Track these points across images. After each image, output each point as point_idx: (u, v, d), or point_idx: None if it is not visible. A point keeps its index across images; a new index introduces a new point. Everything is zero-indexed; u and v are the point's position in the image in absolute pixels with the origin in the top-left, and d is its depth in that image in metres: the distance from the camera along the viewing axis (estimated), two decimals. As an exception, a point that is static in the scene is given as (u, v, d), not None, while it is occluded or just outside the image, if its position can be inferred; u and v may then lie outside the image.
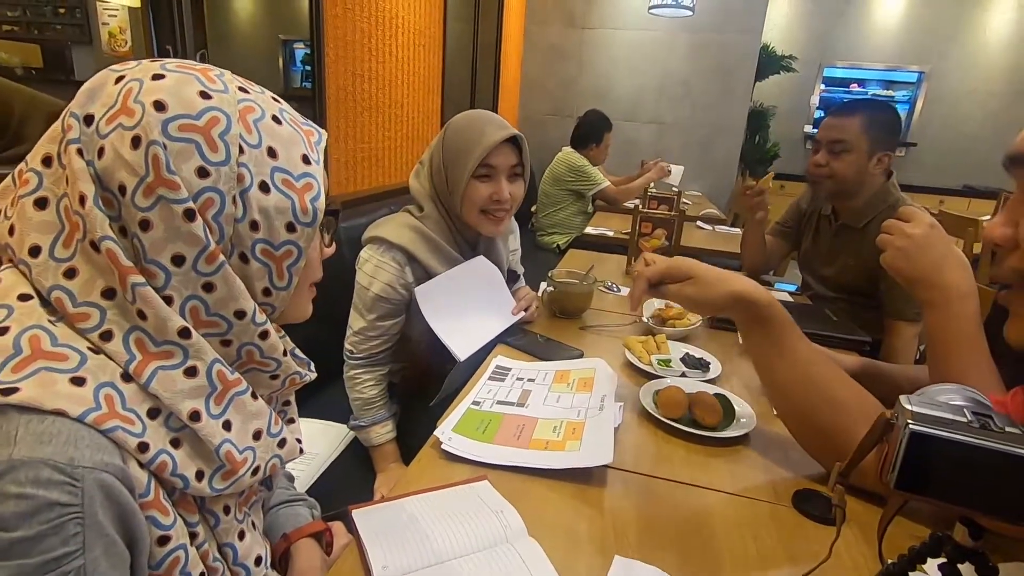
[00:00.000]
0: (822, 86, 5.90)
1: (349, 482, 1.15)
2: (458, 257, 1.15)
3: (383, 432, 1.14)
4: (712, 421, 0.86)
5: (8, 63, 1.74)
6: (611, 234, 2.55)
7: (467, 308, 1.13)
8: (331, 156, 1.93)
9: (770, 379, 0.79)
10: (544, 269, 1.82)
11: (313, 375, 0.57)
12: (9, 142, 1.20)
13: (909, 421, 0.45)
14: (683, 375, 1.03)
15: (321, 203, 0.48)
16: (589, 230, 2.64)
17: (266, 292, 0.48)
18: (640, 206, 2.55)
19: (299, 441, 0.56)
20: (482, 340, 1.12)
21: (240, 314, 0.46)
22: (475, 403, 0.90)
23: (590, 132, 3.19)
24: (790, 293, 1.71)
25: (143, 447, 0.41)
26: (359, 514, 0.66)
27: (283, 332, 0.56)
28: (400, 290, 1.10)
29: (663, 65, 4.32)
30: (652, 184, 3.12)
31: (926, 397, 0.49)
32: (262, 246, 0.46)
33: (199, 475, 0.45)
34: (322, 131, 0.53)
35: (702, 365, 1.06)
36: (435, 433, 0.80)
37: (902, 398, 0.47)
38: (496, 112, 3.99)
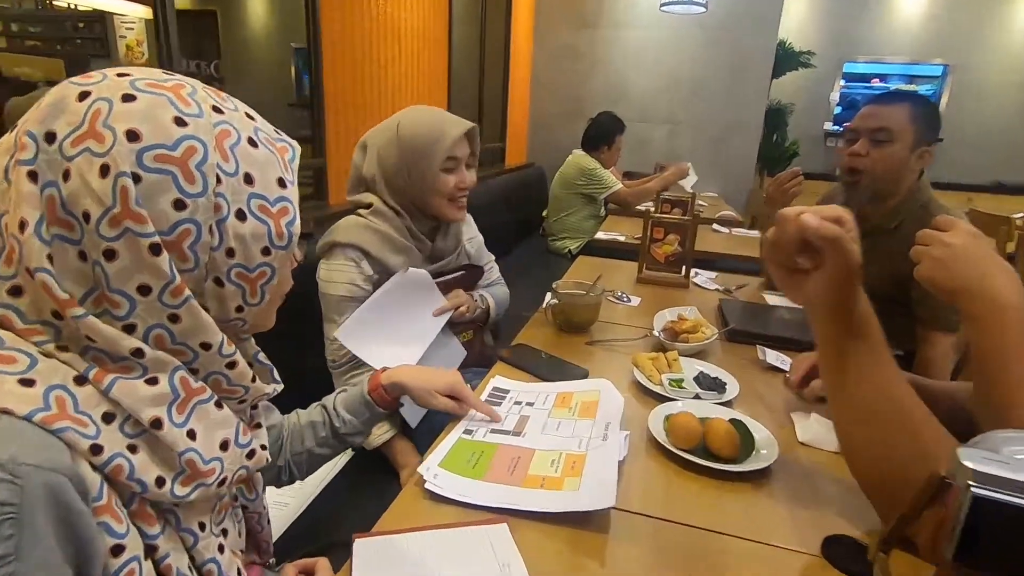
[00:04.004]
0: (842, 82, 5.73)
1: (340, 510, 1.09)
2: (410, 246, 1.18)
3: (380, 433, 1.11)
4: (729, 453, 0.77)
5: (32, 77, 1.79)
6: (623, 239, 2.46)
7: (395, 330, 1.14)
8: (330, 164, 1.88)
9: (855, 400, 0.65)
10: (555, 275, 1.75)
11: (278, 386, 0.56)
12: None
13: (971, 483, 0.37)
14: (697, 397, 0.95)
15: (296, 227, 0.48)
16: (600, 235, 2.55)
17: (239, 309, 0.48)
18: (653, 210, 2.46)
19: (264, 448, 0.54)
20: (416, 355, 1.14)
21: (206, 346, 0.46)
22: (467, 432, 0.83)
23: (601, 134, 3.10)
24: (813, 300, 1.61)
25: (96, 449, 0.40)
26: (361, 544, 0.63)
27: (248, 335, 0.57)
28: (363, 285, 1.13)
29: (676, 64, 4.21)
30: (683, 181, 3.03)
31: (986, 447, 0.41)
32: (237, 270, 0.46)
33: (159, 481, 0.43)
34: (295, 145, 0.51)
35: (717, 386, 0.97)
36: (419, 469, 0.72)
37: (960, 452, 0.39)
38: (506, 114, 3.94)
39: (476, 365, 1.33)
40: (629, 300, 1.50)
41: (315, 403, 0.87)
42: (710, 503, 0.71)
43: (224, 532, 0.55)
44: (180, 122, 0.42)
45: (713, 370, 1.04)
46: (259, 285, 0.48)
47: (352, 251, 1.14)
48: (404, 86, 2.30)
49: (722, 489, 0.73)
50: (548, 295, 1.30)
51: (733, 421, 0.83)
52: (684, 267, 1.69)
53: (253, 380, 0.51)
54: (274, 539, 1.04)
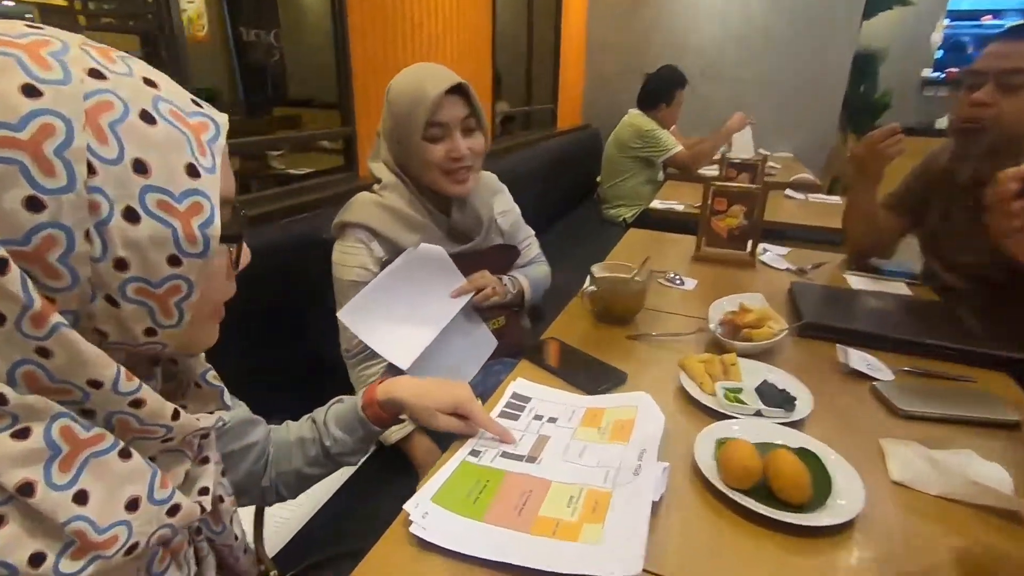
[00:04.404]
0: (946, 21, 5.01)
1: (355, 514, 1.01)
2: (426, 223, 1.08)
3: (398, 428, 1.04)
4: (797, 497, 0.61)
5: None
6: (680, 208, 2.23)
7: (405, 312, 1.04)
8: (361, 132, 1.76)
9: None
10: (609, 247, 1.58)
11: (225, 412, 0.48)
12: None
13: None
14: (758, 414, 0.77)
15: (215, 228, 0.39)
16: (655, 204, 2.33)
17: (150, 332, 0.39)
18: (716, 175, 2.21)
19: (206, 492, 0.45)
20: (425, 341, 1.04)
21: (95, 383, 0.37)
22: (473, 453, 0.70)
23: (660, 90, 2.82)
24: (907, 282, 1.36)
25: None
26: None
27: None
28: (373, 268, 1.05)
29: (747, 8, 3.79)
30: (731, 148, 2.72)
31: None
32: (136, 285, 0.37)
33: (36, 559, 0.34)
34: (220, 120, 0.41)
35: (785, 400, 0.79)
36: (406, 506, 0.60)
37: None
38: (558, 73, 3.68)
39: (509, 355, 1.21)
40: (683, 283, 1.31)
41: (306, 416, 0.77)
42: (772, 567, 0.55)
43: None
44: (31, 92, 0.32)
45: (781, 377, 0.86)
46: (172, 303, 0.39)
47: (361, 231, 1.05)
48: (441, 44, 2.14)
49: (789, 549, 0.57)
50: (587, 279, 1.14)
51: (803, 452, 0.67)
52: (750, 243, 1.47)
53: (175, 416, 0.41)
54: (283, 544, 0.99)
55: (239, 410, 0.68)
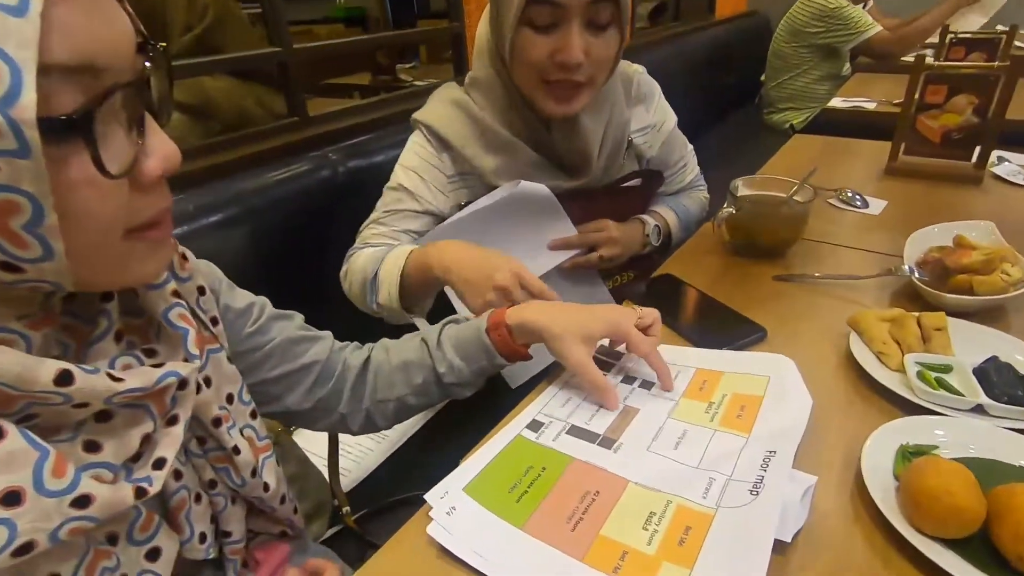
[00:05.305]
0: None
1: (433, 460, 0.93)
2: (516, 144, 0.79)
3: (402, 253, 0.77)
4: (1051, 574, 0.36)
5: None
6: (872, 107, 1.72)
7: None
8: (471, 31, 1.55)
9: None
10: (767, 160, 1.25)
11: (190, 362, 0.40)
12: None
13: None
14: (978, 410, 0.50)
15: (24, 108, 0.25)
16: (836, 102, 1.82)
17: (8, 267, 0.29)
18: (932, 57, 1.65)
19: (161, 465, 0.37)
20: None
21: None
22: (532, 426, 0.53)
23: (856, -48, 2.18)
24: None
25: None
26: None
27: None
28: (421, 191, 0.80)
29: None
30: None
31: None
32: None
33: None
34: None
35: (1032, 393, 0.50)
36: (428, 496, 0.46)
37: None
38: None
39: None
40: (866, 205, 0.97)
41: (411, 335, 0.63)
42: None
43: (154, 553, 0.39)
44: None
45: (1023, 354, 0.55)
46: (16, 228, 0.28)
47: (432, 136, 0.82)
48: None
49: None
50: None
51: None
52: (978, 149, 1.05)
53: (64, 380, 0.31)
54: (368, 473, 0.94)
55: (290, 326, 0.57)
